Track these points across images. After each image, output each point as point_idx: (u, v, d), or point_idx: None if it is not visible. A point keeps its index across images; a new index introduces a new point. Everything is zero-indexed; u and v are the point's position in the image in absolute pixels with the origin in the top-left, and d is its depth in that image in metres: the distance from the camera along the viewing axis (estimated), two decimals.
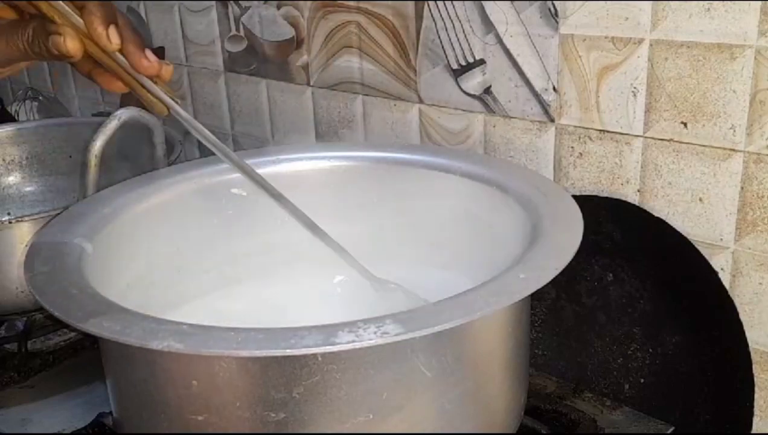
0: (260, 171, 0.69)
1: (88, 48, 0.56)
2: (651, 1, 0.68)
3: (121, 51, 0.56)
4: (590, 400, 0.73)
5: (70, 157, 1.07)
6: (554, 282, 0.50)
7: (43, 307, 0.50)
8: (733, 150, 0.67)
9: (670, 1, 0.67)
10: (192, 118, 0.62)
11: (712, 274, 0.70)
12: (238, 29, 1.07)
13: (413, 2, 0.85)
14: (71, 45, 0.54)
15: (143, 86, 0.58)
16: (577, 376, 0.77)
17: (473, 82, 0.83)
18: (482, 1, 0.79)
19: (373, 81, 0.93)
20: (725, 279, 0.70)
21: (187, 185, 0.72)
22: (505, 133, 0.82)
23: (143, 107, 0.62)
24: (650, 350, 0.74)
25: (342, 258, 0.69)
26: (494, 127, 0.83)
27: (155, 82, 0.59)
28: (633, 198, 0.74)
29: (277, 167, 0.76)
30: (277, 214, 0.74)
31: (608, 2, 0.70)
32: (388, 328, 0.44)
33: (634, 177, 0.74)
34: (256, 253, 0.75)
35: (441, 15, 0.83)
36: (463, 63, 0.83)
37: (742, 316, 0.70)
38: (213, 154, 0.66)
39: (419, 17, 0.85)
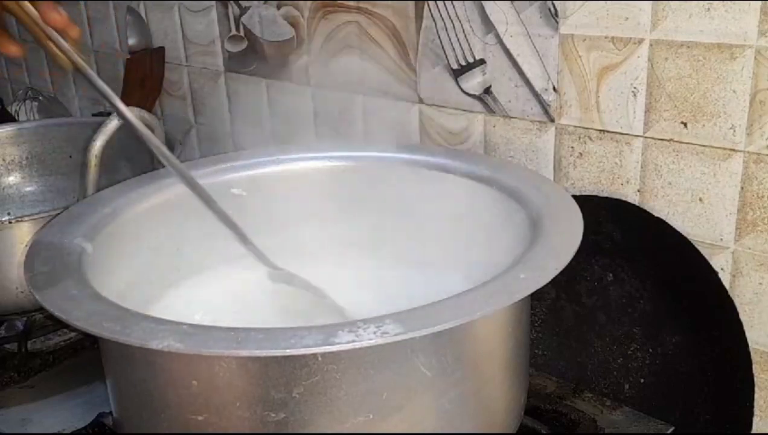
0: (260, 171, 0.69)
1: None
2: (651, 1, 0.68)
3: (33, 2, 0.58)
4: (590, 400, 0.73)
5: (70, 157, 1.07)
6: (554, 282, 0.50)
7: (43, 307, 0.50)
8: (733, 150, 0.67)
9: (670, 1, 0.67)
10: (96, 75, 0.62)
11: (712, 274, 0.70)
12: (238, 29, 1.07)
13: (413, 2, 0.85)
14: None
15: (50, 39, 0.59)
16: (577, 376, 0.77)
17: (473, 82, 0.83)
18: (482, 1, 0.79)
19: (373, 81, 0.93)
20: (725, 279, 0.70)
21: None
22: (505, 133, 0.82)
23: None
24: (650, 350, 0.74)
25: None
26: (494, 127, 0.83)
27: (65, 40, 0.60)
28: (633, 198, 0.74)
29: (277, 167, 0.76)
30: (277, 214, 0.74)
31: (608, 2, 0.70)
32: (387, 328, 0.44)
33: (634, 177, 0.74)
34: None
35: (441, 15, 0.83)
36: (463, 63, 0.83)
37: (742, 316, 0.70)
38: (213, 154, 0.66)
39: (419, 17, 0.85)
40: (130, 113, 0.64)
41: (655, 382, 0.74)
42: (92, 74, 0.61)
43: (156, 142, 0.63)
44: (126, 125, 0.64)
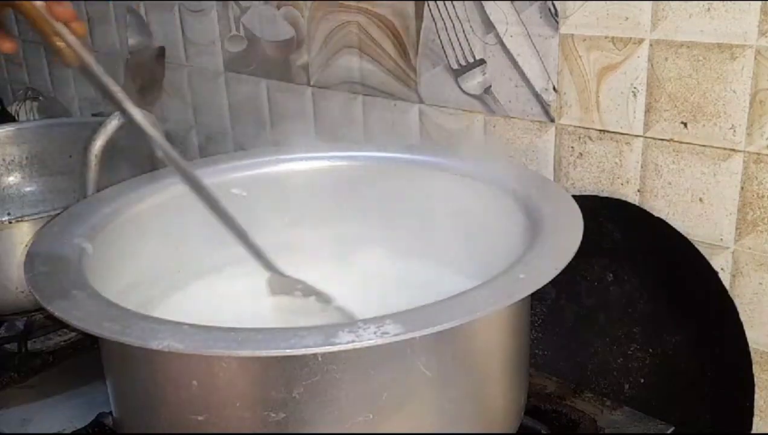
0: (260, 171, 0.69)
1: None
2: (651, 1, 0.68)
3: None
4: (590, 400, 0.73)
5: (70, 157, 1.07)
6: (554, 282, 0.50)
7: (43, 307, 0.50)
8: (733, 150, 0.67)
9: (670, 1, 0.67)
10: (104, 74, 0.61)
11: (712, 274, 0.70)
12: (238, 29, 1.07)
13: (413, 2, 0.85)
14: None
15: (56, 33, 0.58)
16: (577, 376, 0.77)
17: (473, 82, 0.83)
18: (482, 1, 0.79)
19: (373, 81, 0.93)
20: (725, 279, 0.70)
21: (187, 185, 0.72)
22: (505, 133, 0.82)
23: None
24: (650, 350, 0.74)
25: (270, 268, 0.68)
26: (494, 127, 0.83)
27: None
28: (633, 198, 0.74)
29: (277, 167, 0.76)
30: (278, 214, 0.74)
31: (608, 2, 0.70)
32: (388, 328, 0.44)
33: (634, 177, 0.74)
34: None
35: (441, 15, 0.83)
36: (463, 63, 0.83)
37: (742, 316, 0.70)
38: (213, 154, 0.65)
39: (419, 17, 0.85)
40: (138, 112, 0.63)
41: (655, 382, 0.74)
42: (99, 70, 0.60)
43: (162, 142, 0.63)
44: (131, 124, 0.64)
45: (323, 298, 0.68)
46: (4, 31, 0.61)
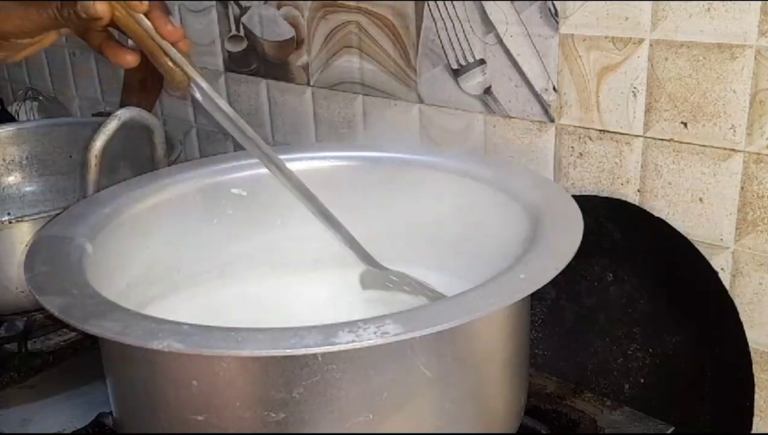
0: (260, 171, 0.69)
1: (115, 12, 0.56)
2: (651, 1, 0.68)
3: (147, 15, 0.57)
4: (590, 400, 0.73)
5: (70, 157, 1.07)
6: (554, 282, 0.50)
7: (43, 307, 0.50)
8: (733, 150, 0.67)
9: (670, 1, 0.67)
10: (214, 92, 0.60)
11: (712, 274, 0.70)
12: (238, 29, 1.07)
13: (413, 2, 0.85)
14: (100, 7, 0.55)
15: (166, 53, 0.58)
16: (577, 376, 0.77)
17: (473, 82, 0.83)
18: (482, 1, 0.79)
19: (373, 81, 0.93)
20: (725, 279, 0.70)
21: (187, 185, 0.72)
22: (505, 133, 0.82)
23: (144, 99, 0.61)
24: (650, 350, 0.74)
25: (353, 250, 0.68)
26: (494, 127, 0.83)
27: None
28: (633, 198, 0.74)
29: None
30: (278, 214, 0.74)
31: (608, 2, 0.70)
32: (388, 328, 0.44)
33: (634, 177, 0.74)
34: (256, 253, 0.75)
35: (441, 15, 0.83)
36: (463, 63, 0.83)
37: (742, 316, 0.70)
38: (213, 154, 0.65)
39: (419, 17, 0.85)
40: (248, 128, 0.62)
41: (655, 382, 0.74)
42: (210, 90, 0.59)
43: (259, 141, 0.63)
44: (235, 140, 0.63)
45: (434, 294, 0.66)
46: (121, 45, 0.60)
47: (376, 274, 0.69)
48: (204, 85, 0.59)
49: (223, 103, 0.61)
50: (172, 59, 0.58)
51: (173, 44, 0.58)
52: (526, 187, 0.65)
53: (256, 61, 1.07)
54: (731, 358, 0.70)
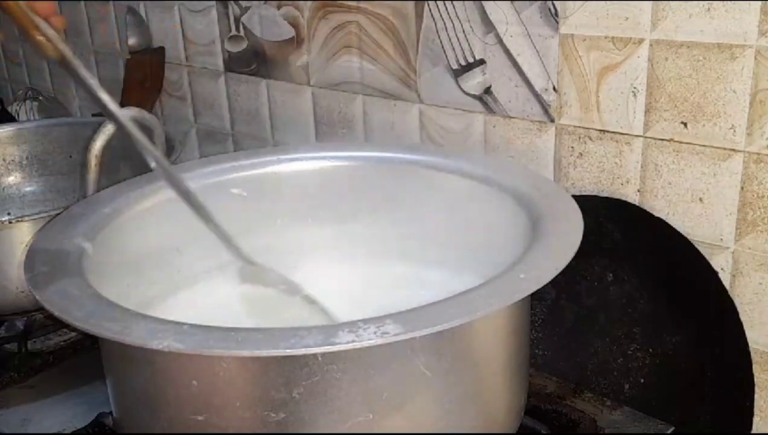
0: (261, 171, 0.69)
1: None
2: (651, 1, 0.68)
3: None
4: (590, 400, 0.73)
5: (70, 157, 1.07)
6: (554, 282, 0.50)
7: (43, 307, 0.50)
8: (733, 150, 0.67)
9: (670, 1, 0.67)
10: (81, 66, 0.60)
11: (712, 274, 0.70)
12: (238, 29, 1.07)
13: (413, 2, 0.85)
14: None
15: (37, 27, 0.58)
16: (577, 376, 0.77)
17: (473, 82, 0.83)
18: (482, 1, 0.79)
19: (373, 81, 0.93)
20: (725, 279, 0.70)
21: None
22: (505, 133, 0.82)
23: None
24: (650, 350, 0.74)
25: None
26: (494, 127, 0.83)
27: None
28: (633, 198, 0.74)
29: (277, 167, 0.76)
30: (278, 214, 0.74)
31: (608, 2, 0.70)
32: (388, 328, 0.44)
33: (634, 177, 0.74)
34: (256, 253, 0.75)
35: (441, 15, 0.83)
36: (463, 63, 0.83)
37: (742, 316, 0.70)
38: (213, 154, 0.65)
39: (419, 17, 0.85)
40: (120, 109, 0.62)
41: (655, 382, 0.74)
42: (78, 65, 0.60)
43: (140, 137, 0.62)
44: (108, 117, 0.62)
45: (292, 289, 0.67)
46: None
47: (255, 271, 0.69)
48: (73, 62, 0.59)
49: (88, 76, 0.60)
50: (42, 33, 0.59)
51: (46, 19, 0.59)
52: (526, 187, 0.65)
53: (256, 61, 1.07)
54: (731, 358, 0.70)
